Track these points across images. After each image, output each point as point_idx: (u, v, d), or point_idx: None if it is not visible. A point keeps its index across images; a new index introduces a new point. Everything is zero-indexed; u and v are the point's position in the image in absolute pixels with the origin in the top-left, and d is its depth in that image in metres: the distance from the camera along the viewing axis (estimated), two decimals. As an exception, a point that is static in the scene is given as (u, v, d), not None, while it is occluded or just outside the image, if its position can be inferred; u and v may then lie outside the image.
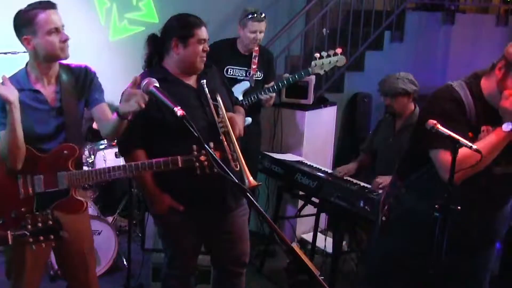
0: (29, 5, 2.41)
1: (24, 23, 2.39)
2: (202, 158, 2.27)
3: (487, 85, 2.27)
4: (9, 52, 3.72)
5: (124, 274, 3.75)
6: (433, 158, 2.28)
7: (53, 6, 2.39)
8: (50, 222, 2.00)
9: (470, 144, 2.19)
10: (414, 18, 6.07)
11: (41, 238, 1.99)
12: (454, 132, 2.13)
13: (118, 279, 3.81)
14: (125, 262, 3.85)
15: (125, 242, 3.77)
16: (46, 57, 2.42)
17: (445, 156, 2.20)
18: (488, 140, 2.20)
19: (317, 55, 3.86)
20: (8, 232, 1.99)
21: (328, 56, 3.83)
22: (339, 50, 3.82)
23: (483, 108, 2.26)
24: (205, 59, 2.64)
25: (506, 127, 2.16)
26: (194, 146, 2.27)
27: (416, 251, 2.44)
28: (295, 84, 4.09)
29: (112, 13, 4.96)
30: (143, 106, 2.25)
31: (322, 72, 3.91)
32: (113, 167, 2.40)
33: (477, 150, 2.16)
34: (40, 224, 1.99)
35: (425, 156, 2.32)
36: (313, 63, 3.84)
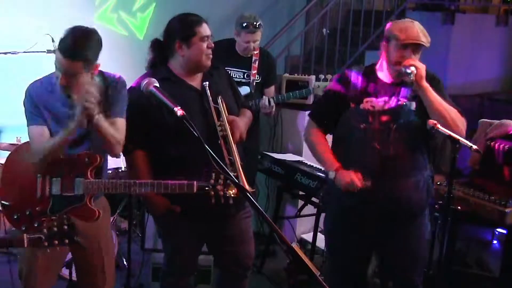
0: (65, 35, 2.37)
1: None
2: (219, 187, 2.27)
3: (378, 64, 2.70)
4: (9, 52, 3.73)
5: (124, 274, 3.74)
6: None
7: (75, 57, 2.32)
8: (65, 227, 2.02)
9: (470, 144, 2.26)
10: (414, 18, 6.03)
11: (56, 242, 2.01)
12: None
13: (118, 279, 3.78)
14: (125, 262, 3.84)
15: (125, 242, 3.77)
16: None
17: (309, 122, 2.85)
18: (321, 158, 2.78)
19: (322, 76, 3.90)
20: (24, 235, 2.02)
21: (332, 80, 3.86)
22: None
23: (371, 84, 2.66)
24: (211, 56, 2.62)
25: (331, 174, 2.67)
26: (213, 174, 2.27)
27: (342, 228, 2.75)
28: (295, 84, 4.10)
29: (123, 19, 5.01)
30: (88, 105, 2.27)
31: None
32: (130, 182, 2.41)
33: (476, 151, 2.23)
34: (55, 229, 2.01)
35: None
36: (316, 83, 3.88)
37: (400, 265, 2.77)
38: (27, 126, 2.44)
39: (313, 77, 4.39)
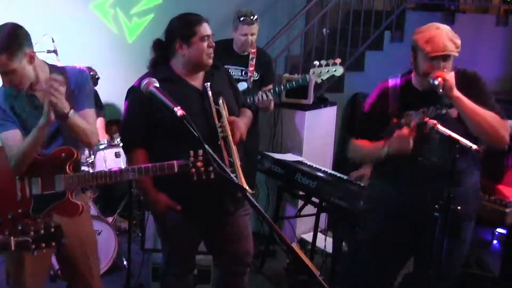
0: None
1: None
2: (199, 164, 2.26)
3: (413, 75, 2.60)
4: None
5: (124, 274, 3.75)
6: None
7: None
8: (52, 230, 2.01)
9: (470, 144, 2.26)
10: (414, 18, 6.07)
11: (43, 244, 2.00)
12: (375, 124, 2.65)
13: (118, 279, 3.81)
14: (125, 262, 3.85)
15: (125, 242, 3.77)
16: None
17: (352, 142, 2.81)
18: (370, 149, 2.70)
19: (316, 63, 3.88)
20: (11, 238, 2.01)
21: (327, 65, 3.86)
22: (338, 60, 3.85)
23: (408, 96, 2.59)
24: (212, 54, 2.63)
25: (386, 149, 2.55)
26: (191, 152, 2.25)
27: (388, 231, 2.68)
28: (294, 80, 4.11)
29: (119, 17, 5.01)
30: (53, 99, 2.25)
31: (319, 81, 3.95)
32: (110, 172, 2.40)
33: (476, 151, 2.23)
34: (42, 231, 2.00)
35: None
36: (311, 70, 3.88)
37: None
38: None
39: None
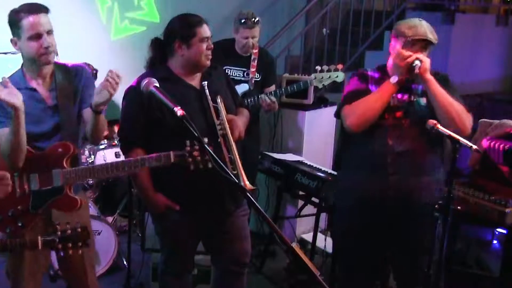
0: (20, 6, 2.39)
1: (11, 24, 2.40)
2: (196, 153, 2.24)
3: (388, 63, 2.73)
4: (9, 52, 3.73)
5: (124, 274, 3.75)
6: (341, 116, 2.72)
7: (41, 10, 2.37)
8: (79, 230, 2.03)
9: (470, 144, 2.28)
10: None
11: (69, 244, 2.03)
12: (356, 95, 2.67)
13: (118, 279, 3.81)
14: (125, 262, 3.85)
15: (125, 242, 3.77)
16: (30, 60, 2.45)
17: (345, 108, 2.68)
18: (377, 90, 2.65)
19: (318, 67, 3.89)
20: (39, 237, 2.03)
21: (329, 70, 3.87)
22: (340, 66, 3.86)
23: (384, 80, 2.67)
24: (210, 56, 2.64)
25: (393, 79, 2.59)
26: (187, 142, 2.23)
27: (355, 223, 2.76)
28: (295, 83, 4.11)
29: (113, 12, 4.96)
30: (114, 92, 2.26)
31: (320, 86, 3.96)
32: (108, 165, 2.39)
33: (476, 151, 2.24)
34: (69, 231, 2.02)
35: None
36: (312, 75, 3.89)
37: (405, 261, 2.79)
38: None
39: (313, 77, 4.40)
